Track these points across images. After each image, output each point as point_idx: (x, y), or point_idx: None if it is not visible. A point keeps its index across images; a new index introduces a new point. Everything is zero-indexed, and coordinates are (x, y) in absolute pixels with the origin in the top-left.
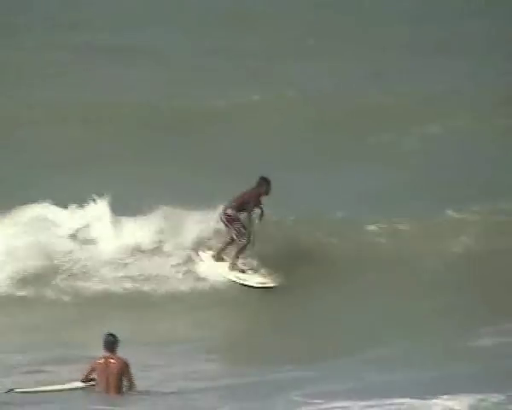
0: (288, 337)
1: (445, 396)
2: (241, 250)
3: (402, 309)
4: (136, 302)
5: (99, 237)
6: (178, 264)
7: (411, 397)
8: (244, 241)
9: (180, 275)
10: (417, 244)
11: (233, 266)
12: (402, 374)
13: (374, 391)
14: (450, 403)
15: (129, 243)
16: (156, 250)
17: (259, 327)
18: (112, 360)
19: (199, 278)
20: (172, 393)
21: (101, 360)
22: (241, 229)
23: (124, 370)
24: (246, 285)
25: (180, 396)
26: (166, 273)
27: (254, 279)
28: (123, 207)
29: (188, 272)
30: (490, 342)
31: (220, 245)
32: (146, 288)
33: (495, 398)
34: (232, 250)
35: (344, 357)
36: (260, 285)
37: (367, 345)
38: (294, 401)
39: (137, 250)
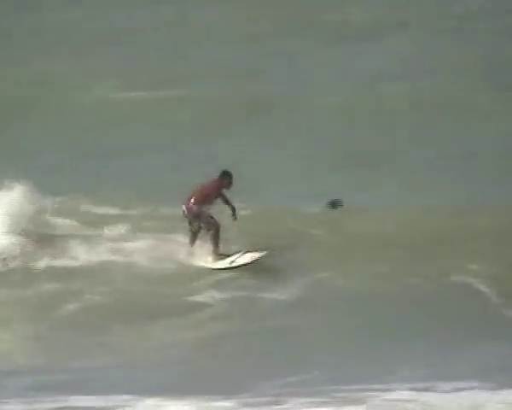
0: None
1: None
2: (216, 238)
3: None
4: None
5: None
6: None
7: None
8: (213, 230)
9: None
10: None
11: (218, 257)
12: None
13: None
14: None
15: None
16: None
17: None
18: None
19: None
20: None
21: None
22: (209, 218)
23: None
24: (240, 266)
25: None
26: None
27: (246, 258)
28: None
29: None
30: None
31: (212, 246)
32: None
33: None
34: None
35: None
36: (254, 259)
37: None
38: None
39: None
